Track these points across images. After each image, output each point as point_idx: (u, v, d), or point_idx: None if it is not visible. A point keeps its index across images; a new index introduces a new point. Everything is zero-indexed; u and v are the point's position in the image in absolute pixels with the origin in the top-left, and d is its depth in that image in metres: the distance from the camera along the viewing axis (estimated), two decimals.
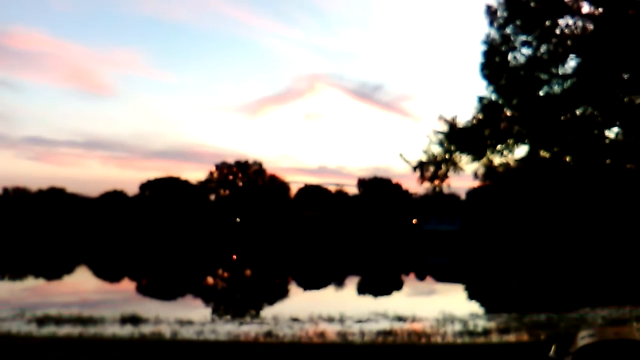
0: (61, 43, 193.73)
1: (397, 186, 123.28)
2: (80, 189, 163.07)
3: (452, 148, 16.08)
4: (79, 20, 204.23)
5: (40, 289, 36.00)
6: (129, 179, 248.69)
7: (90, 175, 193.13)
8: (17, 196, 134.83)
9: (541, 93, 16.63)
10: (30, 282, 40.04)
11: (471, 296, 33.93)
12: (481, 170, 16.66)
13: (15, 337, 16.35)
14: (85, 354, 13.10)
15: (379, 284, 41.32)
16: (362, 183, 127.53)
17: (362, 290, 37.41)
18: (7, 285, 37.42)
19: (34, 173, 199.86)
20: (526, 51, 16.57)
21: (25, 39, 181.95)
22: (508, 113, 16.96)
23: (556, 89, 16.54)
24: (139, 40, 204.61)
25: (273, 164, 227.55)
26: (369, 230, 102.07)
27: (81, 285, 38.14)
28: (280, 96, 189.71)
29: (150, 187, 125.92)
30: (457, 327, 20.00)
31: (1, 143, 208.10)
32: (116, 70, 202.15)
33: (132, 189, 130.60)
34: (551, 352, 7.44)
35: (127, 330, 18.75)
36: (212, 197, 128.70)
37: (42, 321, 20.06)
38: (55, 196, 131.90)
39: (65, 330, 18.31)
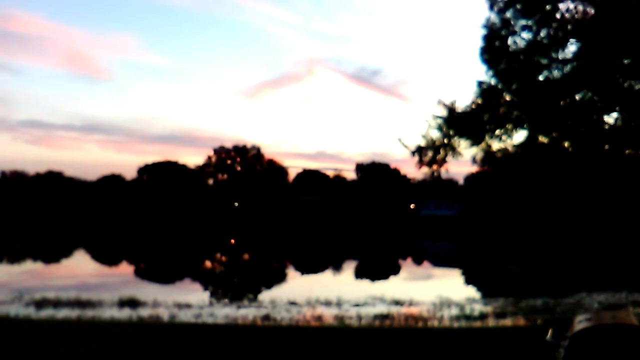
0: (59, 27, 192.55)
1: (396, 171, 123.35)
2: (78, 173, 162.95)
3: (451, 133, 16.03)
4: (77, 4, 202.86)
5: (39, 273, 36.07)
6: (127, 163, 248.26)
7: (88, 159, 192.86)
8: (15, 180, 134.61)
9: (541, 78, 16.55)
10: (29, 266, 40.09)
11: (468, 281, 34.06)
12: (480, 155, 16.63)
13: (13, 320, 16.38)
14: (83, 336, 13.13)
15: (376, 268, 41.46)
16: (360, 168, 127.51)
17: (359, 274, 37.54)
18: (6, 269, 37.49)
19: (31, 156, 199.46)
20: (526, 35, 16.46)
21: (23, 23, 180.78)
22: (507, 98, 16.89)
23: (556, 73, 16.46)
24: (136, 24, 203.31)
25: (271, 149, 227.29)
26: (367, 215, 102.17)
27: (79, 268, 38.21)
28: (278, 80, 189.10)
29: (148, 171, 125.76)
30: (454, 311, 20.08)
31: None
32: (114, 54, 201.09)
33: (130, 173, 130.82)
34: (548, 336, 7.46)
35: (125, 313, 18.80)
36: (210, 181, 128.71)
37: (40, 304, 20.11)
38: (53, 180, 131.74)
39: (63, 313, 18.36)
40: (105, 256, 48.24)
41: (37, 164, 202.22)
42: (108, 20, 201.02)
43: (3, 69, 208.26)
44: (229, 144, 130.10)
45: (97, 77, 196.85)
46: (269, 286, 29.46)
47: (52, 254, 48.55)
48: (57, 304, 20.10)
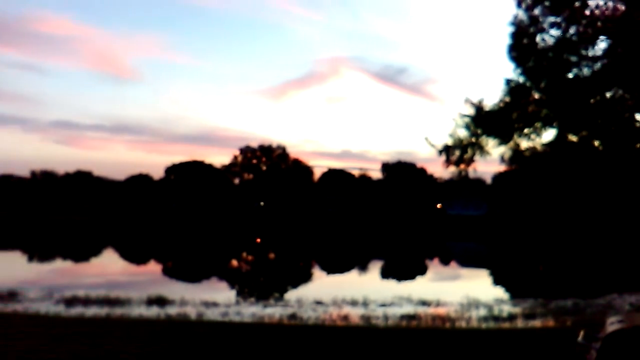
0: (88, 28, 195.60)
1: (422, 170, 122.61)
2: (106, 173, 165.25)
3: (479, 132, 15.87)
4: (105, 5, 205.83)
5: (68, 271, 36.66)
6: (155, 162, 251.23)
7: (116, 159, 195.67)
8: (45, 179, 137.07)
9: (570, 75, 16.30)
10: (59, 264, 40.78)
11: (496, 281, 33.73)
12: (508, 155, 16.44)
13: (44, 317, 16.66)
14: (112, 333, 13.30)
15: (402, 268, 41.29)
16: (386, 167, 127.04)
17: (385, 274, 37.42)
18: (36, 267, 38.17)
19: (61, 156, 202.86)
20: (555, 32, 16.22)
21: (52, 24, 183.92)
22: (536, 96, 16.68)
23: (585, 71, 16.20)
24: (164, 25, 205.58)
25: (296, 148, 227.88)
26: (392, 215, 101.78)
27: (108, 267, 38.76)
28: (303, 80, 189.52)
29: (175, 171, 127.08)
30: (482, 312, 19.91)
31: (29, 127, 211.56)
32: (141, 54, 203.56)
33: (157, 173, 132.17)
34: (579, 338, 7.33)
35: (153, 311, 18.99)
36: (236, 181, 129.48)
37: (70, 302, 20.41)
38: (82, 179, 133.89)
39: (92, 311, 18.60)
40: (134, 255, 48.84)
41: (66, 164, 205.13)
42: (136, 21, 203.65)
43: (33, 70, 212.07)
44: (254, 144, 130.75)
45: (126, 77, 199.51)
46: (295, 285, 29.51)
47: (82, 253, 49.33)
48: (86, 302, 20.37)
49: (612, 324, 7.12)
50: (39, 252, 48.39)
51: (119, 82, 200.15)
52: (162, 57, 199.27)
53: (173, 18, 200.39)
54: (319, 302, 21.39)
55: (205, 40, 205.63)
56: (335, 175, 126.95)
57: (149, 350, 11.39)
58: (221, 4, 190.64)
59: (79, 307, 19.38)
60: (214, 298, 21.85)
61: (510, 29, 16.71)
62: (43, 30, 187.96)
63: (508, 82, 16.59)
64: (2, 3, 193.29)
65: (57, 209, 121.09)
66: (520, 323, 17.97)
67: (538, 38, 16.49)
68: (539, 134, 16.55)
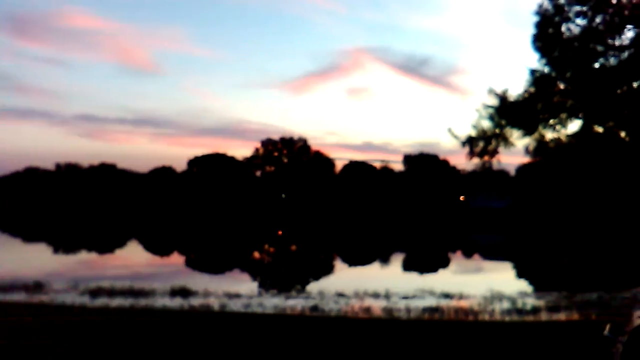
0: (110, 22, 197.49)
1: (445, 162, 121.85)
2: (129, 165, 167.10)
3: (503, 123, 15.70)
4: (127, 0, 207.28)
5: (93, 263, 37.15)
6: (177, 155, 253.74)
7: (139, 152, 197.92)
8: (69, 172, 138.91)
9: (596, 65, 16.06)
10: (83, 256, 41.35)
11: (520, 274, 33.44)
12: (532, 146, 16.26)
13: (69, 308, 16.90)
14: (136, 323, 13.46)
15: (425, 261, 41.13)
16: (408, 159, 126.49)
17: (407, 267, 37.31)
18: (61, 259, 38.74)
19: (85, 149, 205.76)
20: (580, 22, 15.98)
21: (75, 19, 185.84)
22: (561, 86, 16.46)
23: (612, 61, 15.93)
24: (185, 18, 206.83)
25: (318, 141, 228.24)
26: (415, 207, 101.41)
27: (132, 259, 39.18)
28: (324, 72, 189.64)
29: (198, 163, 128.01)
30: (505, 305, 19.74)
31: (53, 120, 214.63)
32: (163, 47, 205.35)
33: (180, 165, 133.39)
34: (605, 331, 7.22)
35: (176, 302, 19.15)
36: (258, 173, 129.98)
37: (95, 293, 20.66)
38: (106, 172, 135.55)
39: (117, 302, 18.82)
40: (157, 247, 49.34)
41: (90, 157, 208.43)
42: (157, 15, 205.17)
43: (57, 64, 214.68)
44: (276, 136, 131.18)
45: (148, 71, 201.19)
46: (317, 277, 29.56)
47: (106, 245, 49.97)
48: (110, 293, 20.61)
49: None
50: (64, 244, 49.11)
51: (142, 75, 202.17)
52: (184, 50, 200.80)
53: (195, 11, 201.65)
54: (340, 294, 21.39)
55: (227, 33, 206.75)
56: (356, 168, 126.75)
57: (171, 340, 11.51)
58: None
59: (103, 298, 19.63)
60: (237, 289, 21.97)
61: (535, 19, 16.50)
62: (67, 25, 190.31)
63: (533, 72, 16.40)
64: (28, 0, 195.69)
65: (81, 201, 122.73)
66: (544, 316, 17.78)
67: (563, 27, 16.26)
68: (564, 125, 16.35)
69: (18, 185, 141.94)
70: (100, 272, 29.77)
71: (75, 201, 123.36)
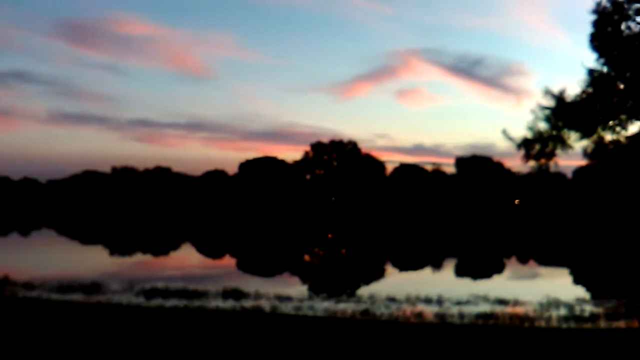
0: (163, 29, 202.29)
1: (499, 165, 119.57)
2: (183, 169, 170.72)
3: (560, 124, 15.25)
4: (179, 7, 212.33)
5: (148, 264, 38.00)
6: (229, 158, 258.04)
7: (192, 156, 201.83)
8: (125, 175, 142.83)
9: None
10: (139, 257, 42.36)
11: (577, 281, 32.49)
12: (590, 148, 15.75)
13: (125, 307, 17.31)
14: (190, 324, 13.68)
15: (478, 266, 40.42)
16: (460, 162, 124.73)
17: (460, 272, 36.72)
18: (118, 260, 39.74)
19: (140, 153, 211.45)
20: None
21: (130, 26, 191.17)
22: (621, 86, 15.91)
23: None
24: (235, 24, 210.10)
25: (367, 143, 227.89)
26: (467, 211, 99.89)
27: (185, 260, 39.91)
28: (374, 74, 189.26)
29: (249, 167, 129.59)
30: (563, 311, 19.20)
31: (110, 125, 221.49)
32: (215, 53, 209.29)
33: (232, 169, 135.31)
34: None
35: (229, 304, 19.37)
36: (308, 176, 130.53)
37: (150, 294, 21.11)
38: (161, 175, 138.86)
39: (171, 302, 19.17)
40: (210, 249, 50.10)
41: (145, 160, 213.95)
42: (208, 21, 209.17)
43: (113, 71, 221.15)
44: (325, 139, 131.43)
45: (200, 76, 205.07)
46: (367, 282, 29.41)
47: (160, 247, 51.05)
48: (165, 293, 21.02)
49: None
50: (120, 246, 50.39)
51: (194, 81, 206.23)
52: (234, 56, 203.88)
53: (245, 17, 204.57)
54: (391, 299, 21.21)
55: (277, 37, 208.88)
56: (407, 170, 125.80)
57: (224, 340, 11.64)
58: (292, 1, 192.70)
59: (158, 299, 20.02)
60: (287, 292, 22.08)
61: (593, 17, 16.01)
62: (122, 32, 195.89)
63: (591, 72, 15.91)
64: (84, 7, 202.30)
65: (136, 203, 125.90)
66: (602, 323, 17.22)
67: (622, 26, 15.74)
68: (624, 127, 15.80)
69: (76, 188, 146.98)
70: (155, 274, 30.40)
71: (131, 203, 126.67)
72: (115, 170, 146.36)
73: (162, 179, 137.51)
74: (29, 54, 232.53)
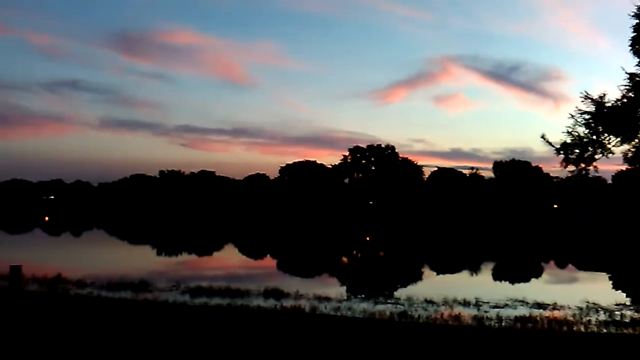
0: (207, 38, 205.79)
1: (537, 169, 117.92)
2: (227, 172, 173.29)
3: (600, 129, 15.23)
4: (222, 16, 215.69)
5: (193, 264, 38.93)
6: (270, 163, 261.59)
7: (235, 160, 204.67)
8: (172, 178, 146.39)
9: None
10: (185, 257, 43.40)
11: (617, 286, 32.07)
12: (631, 153, 15.68)
13: (171, 305, 17.97)
14: (233, 321, 14.19)
15: (516, 270, 40.15)
16: (498, 166, 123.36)
17: (498, 276, 36.58)
18: (165, 260, 40.81)
19: (186, 158, 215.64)
20: None
21: (176, 36, 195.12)
22: None
23: None
24: (276, 33, 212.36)
25: (405, 148, 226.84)
26: (505, 215, 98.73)
27: (228, 261, 40.75)
28: (411, 80, 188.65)
29: (289, 171, 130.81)
30: (602, 316, 19.14)
31: (157, 131, 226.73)
32: (256, 61, 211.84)
33: (273, 173, 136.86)
34: None
35: (270, 303, 19.88)
36: (346, 180, 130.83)
37: (195, 292, 21.79)
38: (205, 178, 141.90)
39: (215, 301, 19.78)
40: (251, 250, 50.91)
41: (191, 164, 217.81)
42: (251, 30, 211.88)
43: (160, 79, 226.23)
44: (363, 144, 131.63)
45: (243, 83, 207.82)
46: (405, 284, 29.59)
47: (205, 247, 52.13)
48: (209, 292, 21.66)
49: None
50: (166, 247, 51.61)
51: (238, 88, 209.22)
52: (275, 63, 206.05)
53: (286, 27, 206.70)
54: (429, 301, 21.38)
55: (316, 45, 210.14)
56: (445, 175, 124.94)
57: (266, 338, 12.11)
58: (329, 9, 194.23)
59: (202, 298, 20.67)
60: (326, 293, 22.47)
61: (634, 21, 15.97)
62: (170, 42, 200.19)
63: (631, 76, 15.85)
64: (134, 19, 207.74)
65: (182, 205, 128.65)
66: None
67: None
68: None
69: (125, 191, 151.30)
70: (200, 273, 31.21)
71: (177, 205, 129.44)
72: (162, 173, 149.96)
73: (206, 183, 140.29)
74: (82, 64, 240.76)
